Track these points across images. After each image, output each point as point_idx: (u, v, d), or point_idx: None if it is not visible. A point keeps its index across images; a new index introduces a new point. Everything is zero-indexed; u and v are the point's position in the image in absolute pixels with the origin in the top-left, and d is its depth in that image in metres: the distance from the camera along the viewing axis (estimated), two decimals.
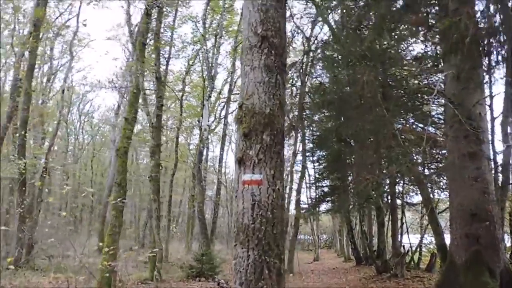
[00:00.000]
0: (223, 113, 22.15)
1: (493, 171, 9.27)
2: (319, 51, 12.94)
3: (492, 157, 9.74)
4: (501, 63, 7.45)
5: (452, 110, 8.97)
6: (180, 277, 14.87)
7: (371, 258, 17.73)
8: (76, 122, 29.41)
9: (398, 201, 20.32)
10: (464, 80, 8.70)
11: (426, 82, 12.24)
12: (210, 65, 17.93)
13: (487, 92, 10.26)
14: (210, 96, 18.78)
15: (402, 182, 16.22)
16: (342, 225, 25.13)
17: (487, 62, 8.21)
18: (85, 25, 18.84)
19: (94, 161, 30.43)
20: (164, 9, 13.84)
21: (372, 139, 11.39)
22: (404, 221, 20.22)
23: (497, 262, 8.37)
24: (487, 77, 9.91)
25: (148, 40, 14.15)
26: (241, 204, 3.04)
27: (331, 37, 12.54)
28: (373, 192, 12.50)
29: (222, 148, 21.31)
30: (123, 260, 16.49)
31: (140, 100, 19.69)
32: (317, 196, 16.62)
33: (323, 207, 19.64)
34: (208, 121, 19.72)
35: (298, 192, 17.67)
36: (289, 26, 13.56)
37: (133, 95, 10.96)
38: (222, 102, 22.00)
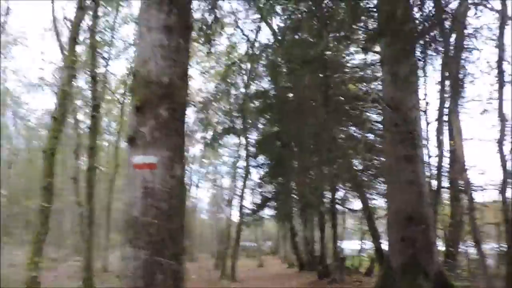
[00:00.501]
0: None
1: (427, 175, 9.26)
2: (262, 55, 12.59)
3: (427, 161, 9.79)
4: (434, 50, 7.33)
5: (389, 114, 8.89)
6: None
7: (313, 264, 17.44)
8: (11, 125, 27.32)
9: (340, 208, 20.37)
10: (401, 84, 8.64)
11: (365, 89, 12.23)
12: None
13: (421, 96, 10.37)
14: None
15: (342, 187, 16.18)
16: (286, 231, 24.84)
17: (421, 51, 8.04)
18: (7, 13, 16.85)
19: (30, 167, 28.27)
20: (100, 5, 12.94)
21: (312, 143, 11.18)
22: (345, 227, 20.27)
23: (432, 265, 8.25)
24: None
25: (84, 38, 13.27)
26: (131, 193, 2.40)
27: (274, 41, 12.24)
28: (313, 196, 12.22)
29: None
30: (55, 270, 15.23)
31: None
32: (260, 202, 16.17)
33: (267, 212, 19.29)
34: None
35: (241, 197, 17.15)
36: (232, 29, 13.16)
37: (62, 93, 10.04)
38: None
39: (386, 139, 9.18)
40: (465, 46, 8.85)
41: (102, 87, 16.78)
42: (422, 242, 8.16)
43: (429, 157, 10.31)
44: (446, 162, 10.84)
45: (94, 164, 13.03)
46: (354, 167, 10.08)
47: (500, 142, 6.77)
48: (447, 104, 10.17)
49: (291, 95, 12.16)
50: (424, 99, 10.54)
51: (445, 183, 10.65)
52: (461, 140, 6.90)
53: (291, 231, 20.45)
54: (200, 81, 21.44)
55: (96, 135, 13.45)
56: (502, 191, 6.64)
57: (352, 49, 11.49)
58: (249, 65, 14.39)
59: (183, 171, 2.45)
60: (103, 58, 16.74)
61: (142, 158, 2.32)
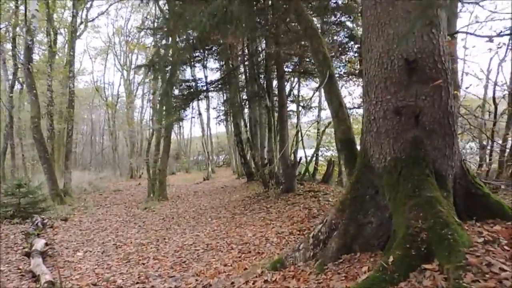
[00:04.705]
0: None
1: None
2: None
3: None
4: None
5: None
6: None
7: (262, 172, 13.06)
8: None
9: (293, 108, 15.84)
10: None
11: None
12: None
13: None
14: None
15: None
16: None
17: None
18: None
19: None
20: None
21: None
22: (299, 128, 15.88)
23: (450, 161, 3.67)
24: None
25: None
26: None
27: None
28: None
29: (72, 47, 14.76)
30: None
31: None
32: (184, 95, 11.20)
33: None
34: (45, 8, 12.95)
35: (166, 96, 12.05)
36: None
37: None
38: None
39: None
40: None
41: None
42: (433, 115, 3.48)
43: None
44: None
45: None
46: None
47: None
48: None
49: None
50: None
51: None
52: None
53: (237, 137, 15.91)
54: None
55: None
56: None
57: None
58: None
59: None
60: None
61: None
